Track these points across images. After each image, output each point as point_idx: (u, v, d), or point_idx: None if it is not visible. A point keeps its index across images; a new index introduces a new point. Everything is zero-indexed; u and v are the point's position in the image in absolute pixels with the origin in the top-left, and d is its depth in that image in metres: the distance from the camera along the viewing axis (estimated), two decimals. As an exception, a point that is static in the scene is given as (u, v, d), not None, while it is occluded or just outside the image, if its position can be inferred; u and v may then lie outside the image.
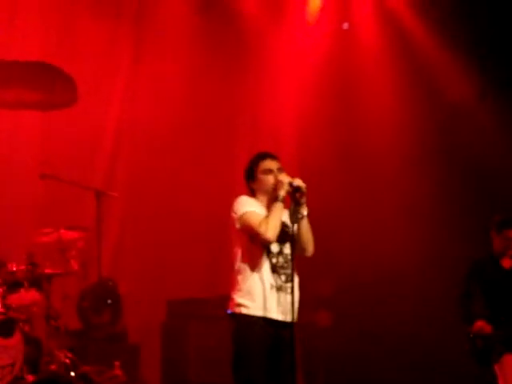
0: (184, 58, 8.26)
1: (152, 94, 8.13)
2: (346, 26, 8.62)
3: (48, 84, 8.08)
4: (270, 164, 4.77)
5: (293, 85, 8.43)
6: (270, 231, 4.57)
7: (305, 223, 4.66)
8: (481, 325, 5.83)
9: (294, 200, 4.64)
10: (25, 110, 7.98)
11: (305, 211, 4.65)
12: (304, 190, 4.62)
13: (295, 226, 4.63)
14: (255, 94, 8.41)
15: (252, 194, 4.84)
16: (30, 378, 6.26)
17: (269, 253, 4.65)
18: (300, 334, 4.66)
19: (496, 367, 5.84)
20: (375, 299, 7.65)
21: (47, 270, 6.79)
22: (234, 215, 4.70)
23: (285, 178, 4.65)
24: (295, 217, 4.62)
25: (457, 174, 7.77)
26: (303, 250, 4.71)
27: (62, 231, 6.91)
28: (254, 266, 4.62)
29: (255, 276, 4.61)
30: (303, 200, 4.63)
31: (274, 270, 4.64)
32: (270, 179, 4.71)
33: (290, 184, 4.63)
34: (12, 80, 7.92)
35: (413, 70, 8.22)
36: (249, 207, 4.67)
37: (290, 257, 4.67)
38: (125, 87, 8.26)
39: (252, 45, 8.45)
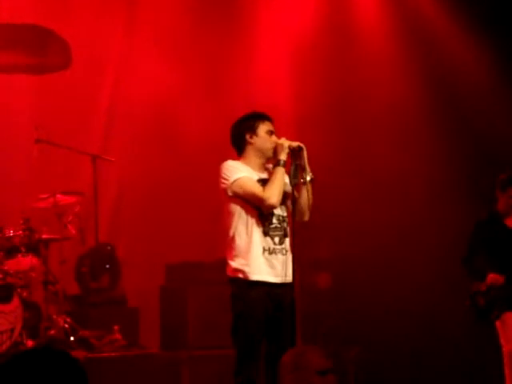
0: (179, 20, 8.14)
1: (147, 56, 8.03)
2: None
3: (41, 47, 7.98)
4: (272, 127, 4.69)
5: (288, 51, 8.29)
6: (275, 197, 4.52)
7: (308, 188, 4.59)
8: (494, 276, 5.81)
9: (294, 163, 4.56)
10: (18, 73, 7.89)
11: (308, 177, 4.58)
12: (304, 150, 4.54)
13: (295, 189, 4.58)
14: (250, 58, 8.28)
15: (239, 155, 4.73)
16: (30, 343, 6.29)
17: (261, 216, 4.60)
18: (299, 295, 4.63)
19: (497, 324, 5.85)
20: (375, 261, 7.63)
21: (44, 236, 6.77)
22: (224, 183, 4.60)
23: (285, 142, 4.58)
24: (296, 180, 4.55)
25: (461, 139, 7.70)
26: (301, 214, 4.65)
27: (59, 196, 6.87)
28: (247, 231, 4.57)
29: (249, 241, 4.57)
30: (304, 163, 4.54)
31: (267, 233, 4.59)
32: (271, 142, 4.62)
33: (290, 147, 4.55)
34: (4, 43, 7.82)
35: (413, 35, 8.07)
36: (240, 173, 4.59)
37: (283, 218, 4.63)
38: (120, 49, 8.17)
39: (246, 5, 8.32)
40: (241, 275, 4.58)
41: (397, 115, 7.93)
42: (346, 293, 7.67)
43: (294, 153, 4.56)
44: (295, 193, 4.62)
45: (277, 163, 4.58)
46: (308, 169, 4.58)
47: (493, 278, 5.82)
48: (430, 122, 7.87)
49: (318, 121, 7.85)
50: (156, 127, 7.99)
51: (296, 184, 4.58)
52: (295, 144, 4.57)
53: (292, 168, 4.57)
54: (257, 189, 4.55)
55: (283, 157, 4.57)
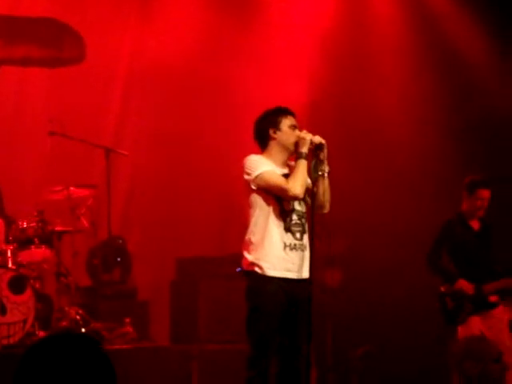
0: (192, 15, 8.16)
1: (160, 51, 8.03)
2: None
3: (56, 40, 8.02)
4: (295, 121, 4.72)
5: (303, 48, 8.30)
6: (299, 187, 4.54)
7: (325, 181, 4.63)
8: (465, 284, 5.87)
9: (315, 157, 4.60)
10: (33, 66, 7.93)
11: (326, 169, 4.62)
12: (325, 146, 4.57)
13: (315, 184, 4.60)
14: (265, 53, 8.28)
15: (263, 150, 4.76)
16: (42, 334, 6.31)
17: (282, 212, 4.63)
18: (311, 293, 4.64)
19: (460, 328, 5.89)
20: (387, 259, 7.65)
21: (57, 228, 6.81)
22: (247, 177, 4.61)
23: (307, 135, 4.61)
24: (316, 174, 4.58)
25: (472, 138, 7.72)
26: (321, 207, 4.68)
27: (72, 189, 6.91)
28: (268, 226, 4.59)
29: (269, 236, 4.58)
30: (324, 157, 4.59)
31: (288, 229, 4.62)
32: (294, 136, 4.65)
33: (311, 140, 4.58)
34: (19, 36, 7.86)
35: (428, 31, 8.10)
36: (264, 166, 4.61)
37: (302, 213, 4.66)
38: (133, 43, 8.20)
39: (262, 4, 8.33)
40: (257, 269, 4.59)
41: (411, 114, 7.95)
42: (356, 290, 7.68)
43: (316, 148, 4.59)
44: (314, 187, 4.64)
45: (299, 156, 4.61)
46: (326, 162, 4.62)
47: (463, 285, 5.87)
48: (444, 121, 7.88)
49: (334, 118, 7.86)
50: (170, 121, 8.01)
51: (316, 178, 4.60)
52: (317, 139, 4.60)
53: (312, 162, 4.60)
54: (281, 181, 4.58)
55: (305, 150, 4.60)
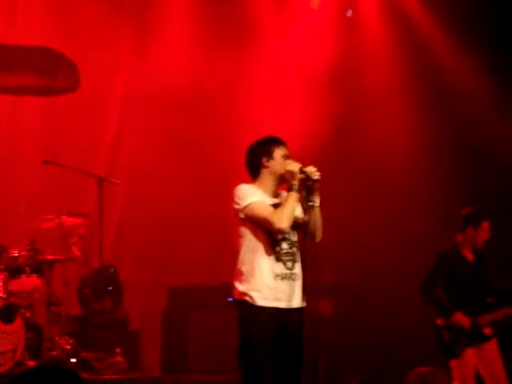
0: (187, 43, 8.22)
1: (155, 80, 8.07)
2: (349, 13, 8.57)
3: (50, 69, 8.06)
4: (287, 151, 4.73)
5: (296, 72, 8.38)
6: (285, 221, 4.52)
7: (316, 211, 4.63)
8: (461, 318, 5.87)
9: (306, 187, 4.61)
10: (27, 95, 7.96)
11: (317, 199, 4.62)
12: (318, 177, 4.58)
13: (306, 213, 4.60)
14: (258, 78, 8.35)
15: (254, 179, 4.78)
16: (31, 363, 6.27)
17: (273, 241, 4.63)
18: (303, 322, 4.62)
19: (453, 362, 5.88)
20: (378, 289, 7.64)
21: (48, 256, 6.80)
22: (237, 206, 4.61)
23: (295, 166, 4.62)
24: (307, 204, 4.59)
25: (464, 163, 7.76)
26: (312, 236, 4.67)
27: (64, 217, 6.90)
28: (258, 256, 4.58)
29: (259, 266, 4.57)
30: (315, 187, 4.59)
31: (279, 258, 4.61)
32: (285, 166, 4.67)
33: (304, 171, 4.59)
34: (14, 65, 7.91)
35: (417, 56, 8.19)
36: (253, 197, 4.61)
37: (293, 242, 4.66)
38: (128, 71, 8.25)
39: (255, 30, 8.40)
40: (248, 299, 4.57)
41: (407, 144, 8.00)
42: (348, 319, 7.67)
43: (308, 179, 4.59)
44: (305, 216, 4.64)
45: (290, 188, 4.62)
46: (317, 193, 4.63)
47: (460, 318, 5.86)
48: (433, 142, 7.94)
49: (327, 150, 7.89)
50: (163, 151, 8.03)
51: (307, 208, 4.60)
52: (308, 168, 4.59)
53: (304, 192, 4.60)
54: (268, 212, 4.57)
55: (296, 182, 4.60)
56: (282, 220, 4.53)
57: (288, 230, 4.58)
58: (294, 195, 4.58)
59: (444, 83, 8.08)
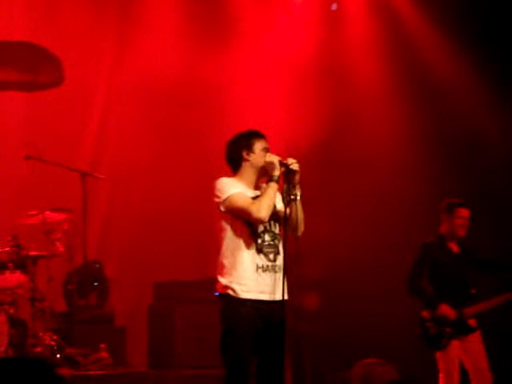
0: (171, 37, 8.20)
1: (138, 75, 8.05)
2: (334, 6, 8.56)
3: (33, 64, 8.01)
4: (267, 144, 4.74)
5: (280, 66, 8.36)
6: (264, 210, 4.52)
7: (298, 204, 4.63)
8: (447, 309, 5.87)
9: (287, 181, 4.60)
10: (10, 90, 7.91)
11: (298, 192, 4.62)
12: (297, 169, 4.58)
13: (288, 206, 4.59)
14: (244, 72, 8.33)
15: (235, 172, 4.77)
16: (15, 360, 6.23)
17: (254, 233, 4.62)
18: (287, 316, 4.61)
19: (438, 354, 5.89)
20: (364, 283, 7.64)
21: (32, 252, 6.76)
22: (217, 200, 4.62)
23: (274, 158, 4.63)
24: (288, 197, 4.58)
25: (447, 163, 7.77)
26: (294, 229, 4.68)
27: (47, 213, 6.86)
28: (240, 248, 4.58)
29: (241, 258, 4.57)
30: (296, 181, 4.60)
31: (260, 250, 4.61)
32: (265, 158, 4.67)
33: (284, 164, 4.59)
34: (-3, 60, 7.85)
35: (403, 49, 8.18)
36: (233, 189, 4.62)
37: (275, 235, 4.65)
38: (111, 67, 8.20)
39: (240, 24, 8.38)
40: (231, 292, 4.58)
41: (391, 142, 7.99)
42: (334, 313, 7.66)
43: (288, 171, 4.59)
44: (287, 210, 4.64)
45: (270, 179, 4.62)
46: (298, 186, 4.62)
47: (445, 310, 5.87)
48: (419, 136, 7.93)
49: (310, 144, 7.88)
50: (149, 144, 8.00)
51: (289, 201, 4.60)
52: (288, 160, 4.59)
53: (285, 186, 4.60)
54: (247, 203, 4.57)
55: (276, 173, 4.61)
56: (261, 210, 4.53)
57: (267, 219, 4.58)
58: (273, 186, 4.59)
59: (430, 77, 8.08)
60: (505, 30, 7.58)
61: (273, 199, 4.58)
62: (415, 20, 8.23)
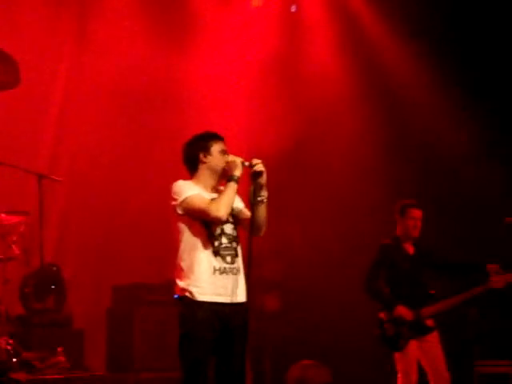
0: (129, 36, 8.15)
1: (97, 75, 7.98)
2: (293, 8, 8.59)
3: (-11, 66, 7.87)
4: (225, 146, 4.72)
5: (240, 68, 8.36)
6: (222, 209, 4.49)
7: (263, 206, 4.61)
8: (403, 310, 5.91)
9: (254, 183, 4.57)
10: (-35, 91, 7.78)
11: (265, 194, 4.60)
12: (262, 170, 4.55)
13: (254, 208, 4.57)
14: (202, 74, 8.30)
15: (192, 175, 4.74)
16: (-30, 365, 6.13)
17: (210, 236, 4.60)
18: (247, 317, 4.60)
19: (397, 355, 5.94)
20: (324, 285, 7.67)
21: (-13, 255, 6.65)
22: (173, 202, 4.59)
23: (237, 158, 4.60)
24: (256, 200, 4.56)
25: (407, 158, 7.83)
26: (257, 231, 4.66)
27: (3, 216, 6.75)
28: (197, 251, 4.56)
29: (198, 260, 4.55)
30: (263, 182, 4.57)
31: (217, 252, 4.59)
32: (223, 160, 4.64)
33: (248, 164, 4.56)
34: (-48, 61, 7.70)
35: (363, 54, 8.23)
36: (190, 191, 4.59)
37: (233, 237, 4.64)
38: (69, 67, 8.13)
39: (200, 24, 8.37)
40: (188, 295, 4.55)
41: (347, 141, 8.04)
42: (294, 314, 7.68)
43: (254, 172, 4.57)
44: (251, 211, 4.62)
45: (230, 179, 4.59)
46: (265, 188, 4.61)
47: (402, 311, 5.92)
48: (379, 140, 7.99)
49: (271, 145, 7.89)
50: (106, 146, 7.94)
51: (255, 203, 4.58)
52: (254, 161, 4.58)
53: (251, 188, 4.58)
54: (204, 203, 4.54)
55: (237, 173, 4.58)
56: (220, 208, 4.50)
57: (225, 218, 4.55)
58: (232, 185, 4.57)
59: (391, 80, 8.13)
60: (468, 33, 7.65)
61: (232, 199, 4.56)
62: (374, 22, 8.29)
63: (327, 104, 8.21)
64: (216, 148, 4.69)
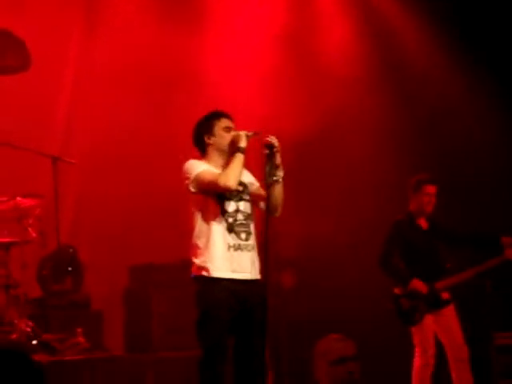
0: (140, 17, 8.10)
1: (108, 56, 7.96)
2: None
3: (-1, 49, 7.87)
4: (230, 123, 4.72)
5: (249, 50, 8.31)
6: (231, 178, 4.53)
7: (279, 186, 4.62)
8: (418, 284, 5.91)
9: (269, 162, 4.58)
10: (-24, 75, 7.79)
11: (281, 173, 4.61)
12: (278, 149, 4.55)
13: (270, 188, 4.59)
14: (216, 58, 8.26)
15: (203, 155, 4.77)
16: (-9, 348, 6.18)
17: (225, 213, 4.62)
18: (265, 295, 4.60)
19: (413, 329, 5.94)
20: (340, 261, 7.68)
21: (4, 239, 6.70)
22: (186, 181, 4.65)
23: (241, 132, 4.62)
24: (271, 179, 4.57)
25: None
26: (273, 211, 4.69)
27: (19, 199, 6.78)
28: (211, 228, 4.60)
29: (213, 238, 4.59)
30: (278, 162, 4.57)
31: (232, 229, 4.61)
32: (229, 137, 4.66)
33: (254, 134, 4.56)
34: (-39, 45, 7.71)
35: (381, 42, 8.17)
36: (201, 167, 4.64)
37: (248, 215, 4.66)
38: (79, 49, 8.11)
39: (210, 5, 8.30)
40: (204, 273, 4.60)
41: (367, 128, 8.00)
42: (310, 292, 7.69)
43: (270, 152, 4.57)
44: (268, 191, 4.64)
45: (236, 150, 4.61)
46: (281, 167, 4.61)
47: (417, 285, 5.92)
48: (395, 129, 7.96)
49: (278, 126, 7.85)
50: (119, 127, 7.91)
51: (271, 183, 4.60)
52: (271, 138, 4.58)
53: (267, 167, 4.59)
54: (214, 175, 4.59)
55: (242, 144, 4.61)
56: (229, 178, 4.53)
57: (234, 187, 4.56)
58: (238, 156, 4.59)
59: (406, 65, 8.07)
60: (494, 19, 7.56)
61: (239, 168, 4.57)
62: (394, 12, 8.20)
63: (344, 88, 8.15)
64: (220, 126, 4.71)
